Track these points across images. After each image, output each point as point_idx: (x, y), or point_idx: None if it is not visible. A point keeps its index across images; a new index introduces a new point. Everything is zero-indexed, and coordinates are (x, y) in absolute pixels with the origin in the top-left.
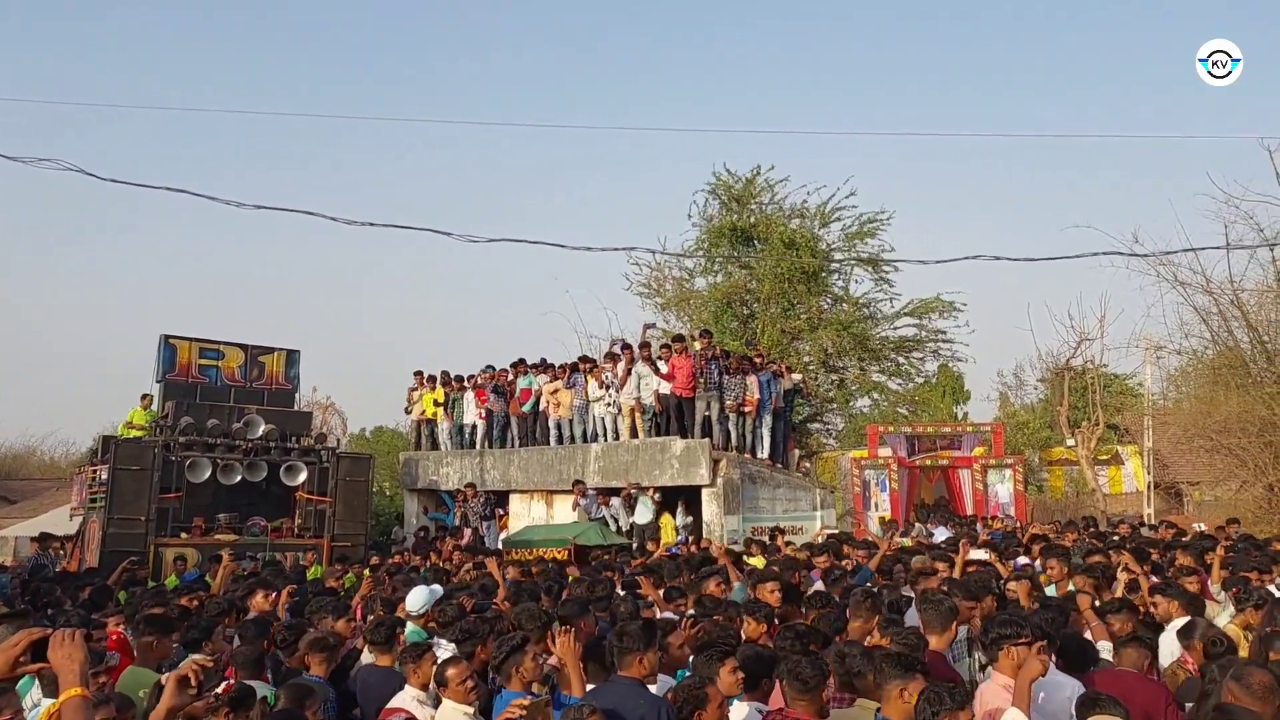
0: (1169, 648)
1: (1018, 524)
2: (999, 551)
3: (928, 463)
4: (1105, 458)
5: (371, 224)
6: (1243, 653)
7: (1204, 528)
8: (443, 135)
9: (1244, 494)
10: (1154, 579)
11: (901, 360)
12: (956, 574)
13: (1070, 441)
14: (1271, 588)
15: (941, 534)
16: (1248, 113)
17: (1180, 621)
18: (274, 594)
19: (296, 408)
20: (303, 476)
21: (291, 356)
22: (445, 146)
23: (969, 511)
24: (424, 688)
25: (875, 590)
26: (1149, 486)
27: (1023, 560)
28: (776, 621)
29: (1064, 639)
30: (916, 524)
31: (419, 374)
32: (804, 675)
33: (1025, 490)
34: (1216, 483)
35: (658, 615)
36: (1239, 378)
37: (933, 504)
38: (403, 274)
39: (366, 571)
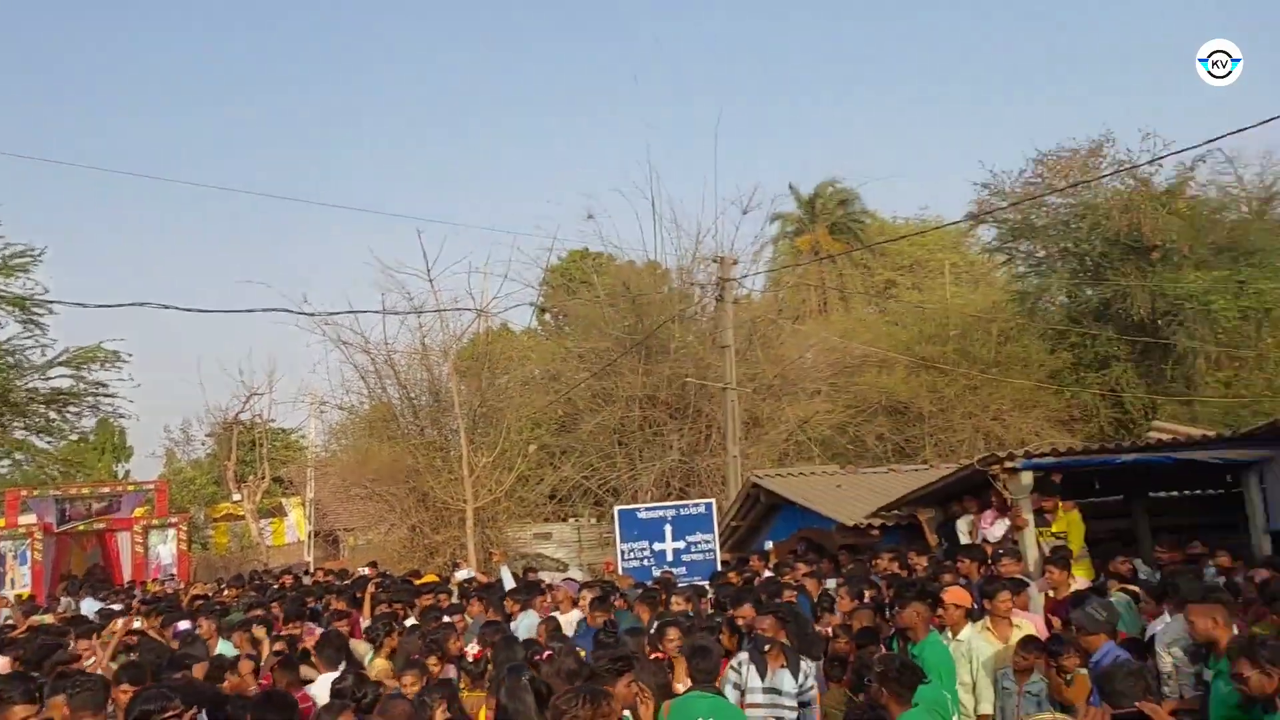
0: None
1: (180, 584)
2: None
3: (81, 528)
4: (270, 509)
5: None
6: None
7: (367, 571)
8: None
9: (392, 535)
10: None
11: (54, 415)
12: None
13: (237, 496)
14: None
15: (90, 606)
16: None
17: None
18: None
19: None
20: None
21: None
22: None
23: (128, 578)
24: None
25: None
26: (310, 535)
27: (183, 625)
28: None
29: None
30: (64, 598)
31: None
32: None
33: (190, 549)
34: (369, 527)
35: None
36: (391, 430)
37: (84, 574)
38: None
39: None
